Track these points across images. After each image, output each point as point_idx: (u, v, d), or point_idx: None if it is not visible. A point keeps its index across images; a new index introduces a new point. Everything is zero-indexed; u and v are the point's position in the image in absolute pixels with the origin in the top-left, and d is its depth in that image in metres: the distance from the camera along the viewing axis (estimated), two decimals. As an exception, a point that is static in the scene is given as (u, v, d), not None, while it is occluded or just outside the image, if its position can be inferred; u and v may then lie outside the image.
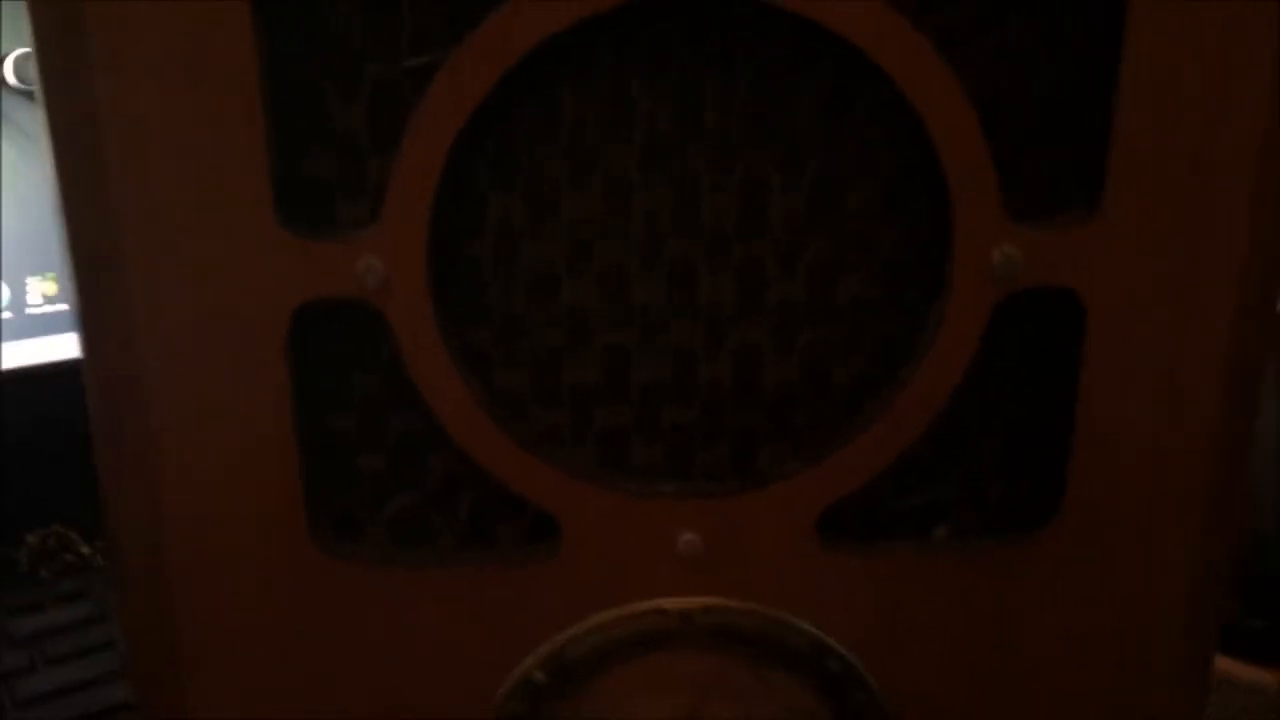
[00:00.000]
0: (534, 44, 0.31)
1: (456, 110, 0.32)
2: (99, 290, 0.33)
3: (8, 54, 0.65)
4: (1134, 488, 0.36)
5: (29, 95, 0.66)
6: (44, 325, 0.69)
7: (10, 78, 0.66)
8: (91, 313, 0.33)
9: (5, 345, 0.68)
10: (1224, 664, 0.62)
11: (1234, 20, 0.32)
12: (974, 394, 0.36)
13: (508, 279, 0.35)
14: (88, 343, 0.34)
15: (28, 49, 0.65)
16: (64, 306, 0.70)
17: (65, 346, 0.70)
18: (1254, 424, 0.37)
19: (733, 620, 0.37)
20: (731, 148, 0.34)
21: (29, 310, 0.69)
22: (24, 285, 0.68)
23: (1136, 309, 0.34)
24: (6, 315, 0.68)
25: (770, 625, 0.37)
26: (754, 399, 0.36)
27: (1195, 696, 0.40)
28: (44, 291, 0.69)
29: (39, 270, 0.69)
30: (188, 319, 0.33)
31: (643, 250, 0.35)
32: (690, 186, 0.34)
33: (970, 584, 0.37)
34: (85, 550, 0.70)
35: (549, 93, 0.33)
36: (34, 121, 0.67)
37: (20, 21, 0.65)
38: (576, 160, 0.34)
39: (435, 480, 0.36)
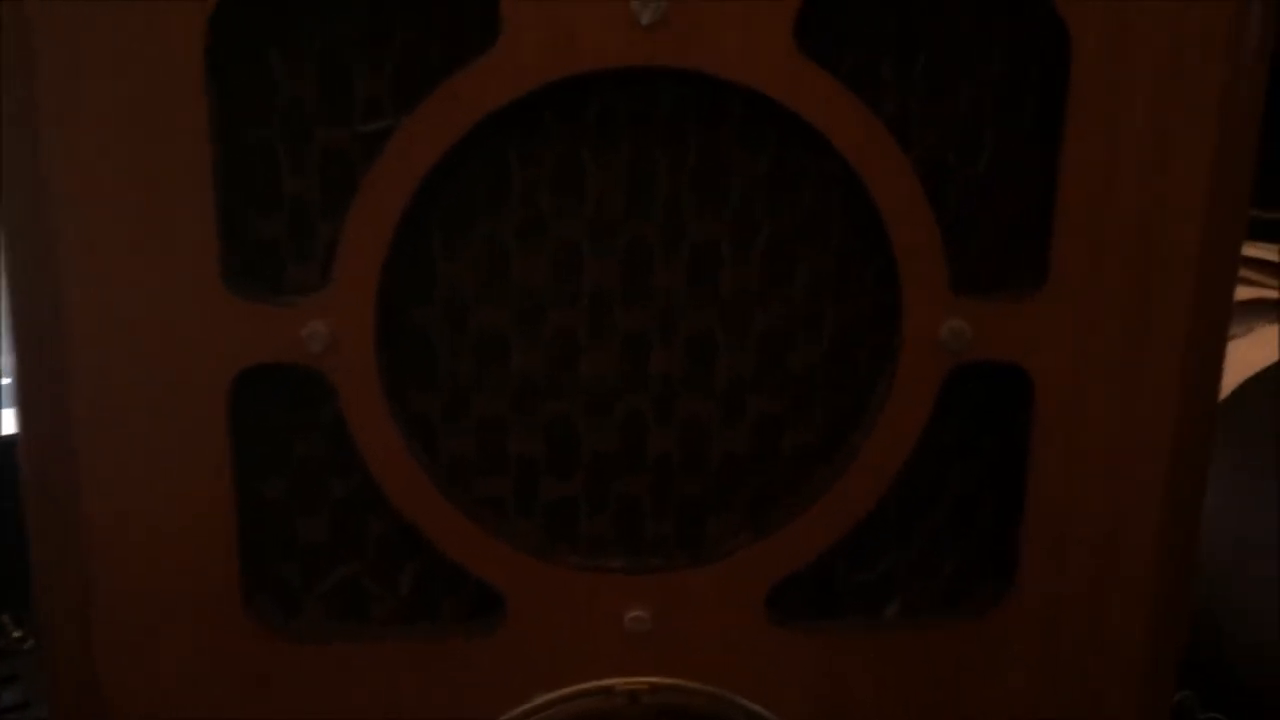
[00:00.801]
0: (485, 113, 0.32)
1: (408, 175, 0.32)
2: (37, 352, 0.32)
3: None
4: (1086, 562, 0.36)
5: None
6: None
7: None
8: (28, 374, 0.33)
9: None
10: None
11: (1174, 98, 0.33)
12: (924, 468, 0.36)
13: (455, 346, 0.34)
14: (22, 404, 0.33)
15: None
16: (5, 381, 0.68)
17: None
18: (1202, 502, 0.37)
19: (681, 700, 0.36)
20: (681, 219, 0.34)
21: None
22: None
23: (1083, 382, 0.35)
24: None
25: (720, 705, 0.36)
26: (703, 471, 0.36)
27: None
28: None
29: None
30: (126, 381, 0.32)
31: (592, 319, 0.35)
32: (641, 256, 0.34)
33: (921, 660, 0.37)
34: (16, 634, 0.68)
35: (499, 161, 0.33)
36: None
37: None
38: (526, 228, 0.34)
39: (376, 551, 0.36)
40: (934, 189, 0.33)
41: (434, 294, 0.34)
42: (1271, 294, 0.68)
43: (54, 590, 0.34)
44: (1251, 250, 0.68)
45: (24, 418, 0.33)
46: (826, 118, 0.32)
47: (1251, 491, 0.62)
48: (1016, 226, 0.35)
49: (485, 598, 0.35)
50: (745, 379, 0.35)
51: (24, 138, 0.31)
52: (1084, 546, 0.36)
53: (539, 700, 0.36)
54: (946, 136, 0.34)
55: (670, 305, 0.35)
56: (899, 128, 0.33)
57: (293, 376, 0.33)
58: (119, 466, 0.33)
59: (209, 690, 0.35)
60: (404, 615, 0.36)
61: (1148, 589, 0.37)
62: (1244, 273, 0.66)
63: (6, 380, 0.68)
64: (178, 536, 0.34)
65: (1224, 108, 0.33)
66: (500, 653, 0.35)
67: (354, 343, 0.33)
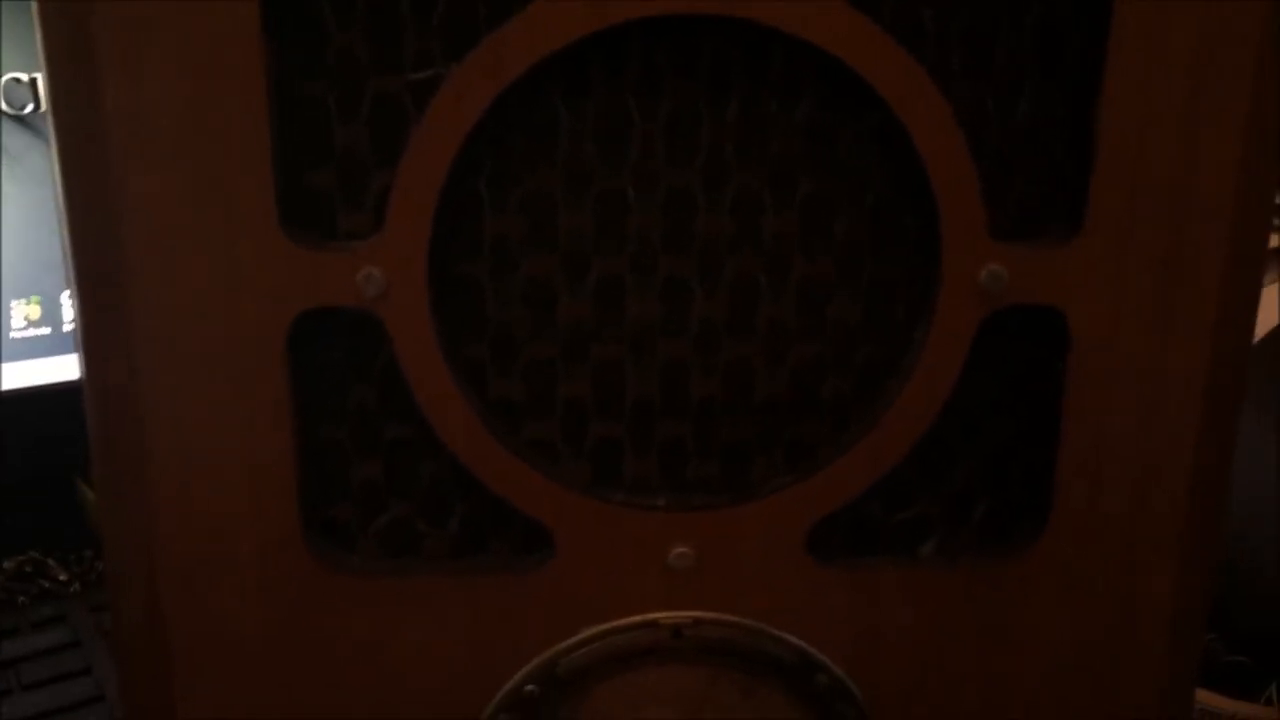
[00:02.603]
0: (532, 63, 0.32)
1: (458, 124, 0.32)
2: (100, 301, 0.33)
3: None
4: (1117, 505, 0.37)
5: (19, 120, 0.67)
6: (26, 349, 0.69)
7: (1, 102, 0.66)
8: (92, 323, 0.34)
9: (-13, 369, 0.68)
10: (1207, 697, 0.62)
11: (1212, 49, 0.33)
12: (959, 412, 0.37)
13: (504, 293, 0.35)
14: (87, 353, 0.34)
15: (18, 74, 0.66)
16: (46, 330, 0.70)
17: (47, 371, 0.70)
18: (1234, 445, 0.38)
19: (723, 634, 0.37)
20: (724, 167, 0.35)
21: (12, 334, 0.69)
22: (8, 309, 0.68)
23: (1118, 327, 0.35)
24: (-11, 338, 0.68)
25: (760, 639, 0.37)
26: (745, 414, 0.37)
27: (1181, 711, 0.40)
28: (27, 315, 0.69)
29: (23, 294, 0.69)
30: (188, 327, 0.33)
31: (637, 266, 0.35)
32: (684, 204, 0.35)
33: (956, 599, 0.38)
34: (62, 576, 0.70)
35: (546, 111, 0.34)
36: (24, 147, 0.67)
37: (14, 45, 0.65)
38: (572, 177, 0.34)
39: (428, 490, 0.37)
40: (973, 137, 0.34)
41: (482, 243, 0.35)
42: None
43: (120, 533, 0.36)
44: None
45: (88, 365, 0.34)
46: (869, 65, 0.33)
47: (1270, 443, 0.63)
48: (1054, 173, 0.35)
49: (532, 537, 0.36)
50: (786, 325, 0.36)
51: (84, 90, 0.32)
52: (1116, 489, 0.37)
53: (585, 634, 0.37)
54: (985, 85, 0.35)
55: (712, 252, 0.35)
56: (939, 76, 0.33)
57: (348, 322, 0.34)
58: (182, 409, 0.34)
59: (266, 620, 0.36)
60: (455, 553, 0.37)
61: (1179, 531, 0.38)
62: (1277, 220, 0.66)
63: (66, 327, 0.69)
64: (239, 476, 0.35)
65: (1261, 58, 0.33)
66: (548, 588, 0.36)
67: (407, 288, 0.33)
